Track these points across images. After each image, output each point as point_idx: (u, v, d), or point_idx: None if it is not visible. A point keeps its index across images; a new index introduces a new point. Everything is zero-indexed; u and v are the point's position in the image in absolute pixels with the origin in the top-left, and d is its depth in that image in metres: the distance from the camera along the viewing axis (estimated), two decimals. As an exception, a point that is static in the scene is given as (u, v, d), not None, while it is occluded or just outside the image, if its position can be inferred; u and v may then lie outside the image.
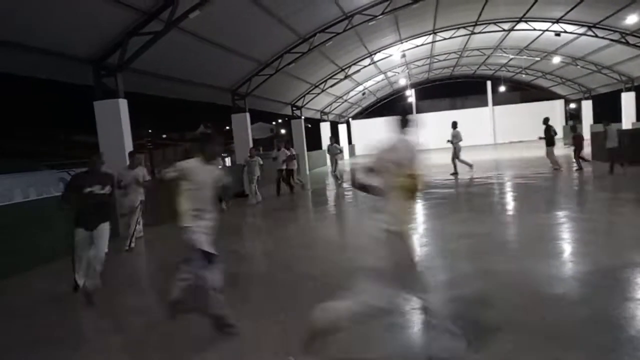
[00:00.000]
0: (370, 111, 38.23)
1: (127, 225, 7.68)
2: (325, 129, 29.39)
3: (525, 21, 18.97)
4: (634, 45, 18.47)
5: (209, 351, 3.63)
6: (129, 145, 9.09)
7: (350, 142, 37.21)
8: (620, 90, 26.35)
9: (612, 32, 18.14)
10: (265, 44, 13.68)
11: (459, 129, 14.89)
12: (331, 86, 22.37)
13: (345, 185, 14.72)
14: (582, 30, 18.73)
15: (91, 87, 9.12)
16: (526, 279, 4.64)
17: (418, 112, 37.91)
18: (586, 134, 25.63)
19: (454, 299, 4.21)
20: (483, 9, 17.38)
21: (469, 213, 9.13)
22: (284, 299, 4.72)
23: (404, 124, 3.16)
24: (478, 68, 32.45)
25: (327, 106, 27.97)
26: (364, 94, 30.41)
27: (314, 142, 28.38)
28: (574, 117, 36.38)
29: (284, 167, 13.85)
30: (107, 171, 5.47)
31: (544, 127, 14.11)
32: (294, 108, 22.69)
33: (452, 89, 37.46)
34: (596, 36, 18.62)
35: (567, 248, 5.85)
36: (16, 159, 27.87)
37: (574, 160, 13.83)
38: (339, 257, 6.31)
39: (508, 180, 13.42)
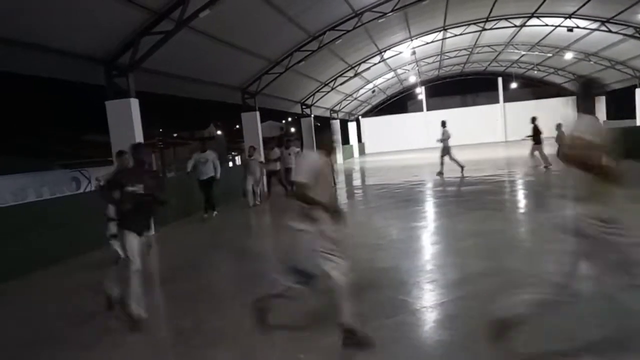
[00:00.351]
0: (380, 109, 38.10)
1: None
2: (334, 127, 29.34)
3: (537, 17, 18.74)
4: (649, 40, 18.18)
5: (221, 349, 3.66)
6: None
7: (360, 140, 37.14)
8: (635, 86, 25.95)
9: (625, 27, 17.84)
10: (275, 43, 13.69)
11: (447, 127, 14.83)
12: (341, 84, 22.31)
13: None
14: (595, 25, 18.46)
15: (103, 87, 9.20)
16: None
17: (428, 109, 37.87)
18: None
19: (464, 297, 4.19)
20: (494, 5, 17.20)
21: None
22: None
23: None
24: (489, 65, 32.13)
25: (337, 104, 27.92)
26: (373, 91, 30.31)
27: (323, 140, 28.29)
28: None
29: (277, 167, 13.00)
30: (151, 169, 5.38)
31: (531, 125, 14.30)
32: (303, 106, 22.68)
33: (463, 86, 37.16)
34: (609, 31, 18.33)
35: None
36: (30, 158, 28.26)
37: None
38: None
39: (493, 179, 13.30)
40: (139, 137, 9.11)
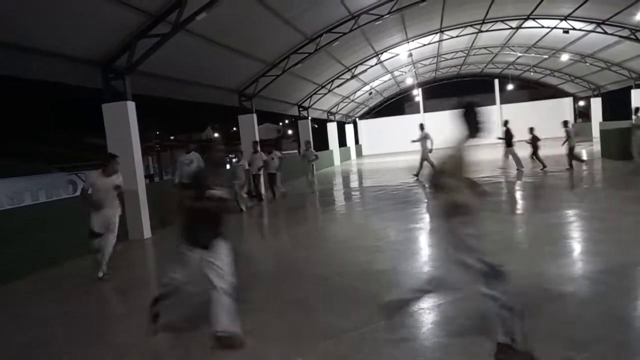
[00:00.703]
0: (377, 111, 38.16)
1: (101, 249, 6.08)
2: (332, 129, 29.40)
3: (533, 19, 18.82)
4: (644, 42, 18.26)
5: (218, 350, 3.64)
6: (137, 148, 9.15)
7: (357, 142, 37.18)
8: (630, 87, 26.06)
9: (621, 29, 17.93)
10: (271, 45, 13.70)
11: (426, 130, 14.85)
12: (338, 86, 22.34)
13: (317, 193, 14.15)
14: (591, 27, 18.54)
15: (100, 90, 9.19)
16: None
17: (425, 111, 37.96)
18: (595, 131, 25.44)
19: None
20: (490, 6, 17.27)
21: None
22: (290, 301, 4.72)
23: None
24: (485, 66, 32.25)
25: (334, 106, 27.95)
26: (370, 93, 30.36)
27: (321, 142, 28.38)
28: (582, 115, 36.07)
29: (259, 172, 12.60)
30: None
31: (503, 128, 14.47)
32: (300, 109, 22.70)
33: (460, 88, 37.22)
34: (605, 33, 18.42)
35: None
36: (26, 161, 28.17)
37: (534, 160, 14.43)
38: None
39: (491, 180, 13.32)
40: (136, 140, 9.11)
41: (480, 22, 19.39)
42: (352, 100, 29.33)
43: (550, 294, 4.13)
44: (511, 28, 20.14)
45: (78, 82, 9.56)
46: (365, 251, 6.46)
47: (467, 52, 26.23)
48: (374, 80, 27.00)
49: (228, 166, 11.61)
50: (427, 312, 4.03)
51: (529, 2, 16.90)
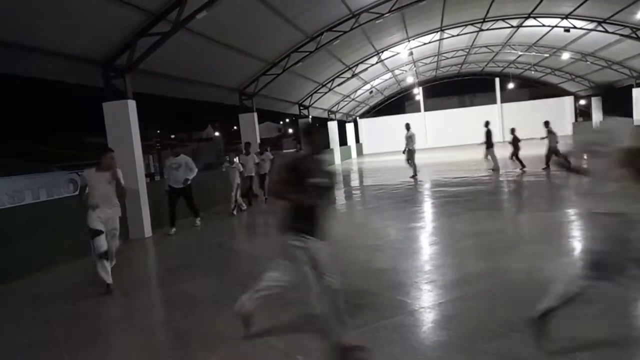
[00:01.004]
0: (378, 110, 38.14)
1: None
2: (332, 128, 29.39)
3: (534, 17, 18.79)
4: (645, 40, 18.25)
5: (219, 349, 3.65)
6: (137, 146, 9.16)
7: (358, 141, 37.18)
8: (631, 86, 26.04)
9: (622, 27, 17.91)
10: (272, 44, 13.69)
11: (412, 130, 14.83)
12: (338, 85, 22.32)
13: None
14: (591, 25, 18.52)
15: (100, 89, 9.19)
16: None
17: (426, 110, 38.00)
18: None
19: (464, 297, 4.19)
20: (491, 5, 17.25)
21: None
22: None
23: None
24: (486, 65, 32.21)
25: (335, 105, 27.94)
26: (371, 92, 30.34)
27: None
28: (583, 114, 36.03)
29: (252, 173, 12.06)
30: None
31: (485, 130, 14.67)
32: (301, 107, 22.68)
33: (460, 87, 37.28)
34: (606, 31, 18.40)
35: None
36: (27, 160, 28.20)
37: (514, 161, 14.62)
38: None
39: (489, 179, 13.32)
40: (137, 139, 9.12)
41: (481, 20, 19.36)
42: (353, 99, 29.32)
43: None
44: (512, 27, 20.11)
45: (79, 80, 9.57)
46: (365, 250, 6.46)
47: (467, 50, 26.19)
48: (374, 79, 26.97)
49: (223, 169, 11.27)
50: (428, 311, 4.03)
51: (530, 1, 16.87)
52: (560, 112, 34.66)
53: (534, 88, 37.22)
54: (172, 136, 67.44)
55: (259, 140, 15.84)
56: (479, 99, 37.80)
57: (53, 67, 8.61)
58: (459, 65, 31.64)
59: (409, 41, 20.55)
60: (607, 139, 2.98)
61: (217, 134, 68.65)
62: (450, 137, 34.34)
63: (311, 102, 22.80)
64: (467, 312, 3.86)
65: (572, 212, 7.56)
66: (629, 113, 26.73)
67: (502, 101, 36.28)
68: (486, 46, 25.55)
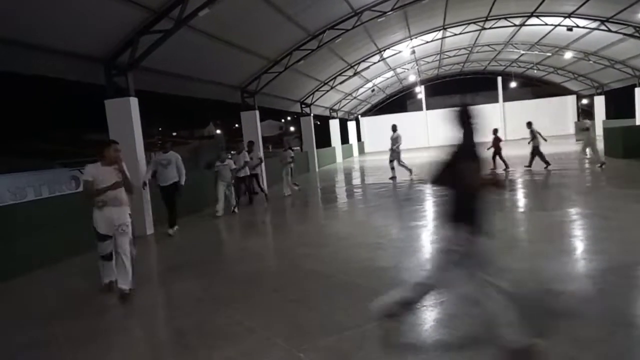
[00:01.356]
0: (380, 108, 38.09)
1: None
2: (334, 126, 29.39)
3: (537, 16, 18.74)
4: (649, 40, 18.18)
5: (220, 347, 3.66)
6: (139, 144, 9.17)
7: (359, 139, 37.15)
8: (634, 85, 25.96)
9: (625, 26, 17.84)
10: (274, 42, 13.68)
11: (398, 131, 14.71)
12: (340, 83, 22.31)
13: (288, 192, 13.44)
14: (594, 24, 18.46)
15: (102, 86, 9.20)
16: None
17: (428, 108, 37.93)
18: (599, 130, 25.36)
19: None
20: (494, 4, 17.20)
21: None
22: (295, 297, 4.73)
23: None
24: (488, 64, 32.13)
25: (336, 103, 27.93)
26: (373, 90, 30.30)
27: (323, 139, 28.39)
28: (586, 113, 35.94)
29: (244, 174, 11.78)
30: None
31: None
32: (303, 105, 22.68)
33: (462, 86, 37.14)
34: (609, 30, 18.33)
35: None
36: (30, 157, 28.24)
37: (496, 160, 14.58)
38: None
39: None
40: (139, 136, 9.13)
41: (484, 19, 19.31)
42: (355, 97, 29.30)
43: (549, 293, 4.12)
44: (514, 25, 20.05)
45: (80, 78, 9.57)
46: (367, 248, 6.46)
47: (470, 49, 26.14)
48: (376, 77, 26.94)
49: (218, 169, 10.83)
50: (429, 309, 4.03)
51: (533, 0, 16.83)
52: (562, 111, 34.60)
53: (536, 87, 37.13)
54: (174, 134, 67.54)
55: (260, 139, 15.85)
56: (481, 97, 37.68)
57: (54, 64, 8.62)
58: (461, 64, 31.59)
59: (411, 39, 20.51)
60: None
61: (219, 131, 68.68)
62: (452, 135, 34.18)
63: (313, 100, 22.79)
64: (469, 311, 3.86)
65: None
66: (631, 113, 26.67)
67: (505, 100, 36.20)
68: (488, 45, 25.49)
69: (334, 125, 29.39)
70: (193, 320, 4.30)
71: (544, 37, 22.54)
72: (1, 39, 7.23)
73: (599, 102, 30.83)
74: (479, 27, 20.12)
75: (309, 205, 12.44)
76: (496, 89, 36.47)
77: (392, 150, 14.80)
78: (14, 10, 6.88)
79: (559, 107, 34.33)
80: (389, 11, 14.22)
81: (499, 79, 35.96)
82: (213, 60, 12.37)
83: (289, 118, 62.32)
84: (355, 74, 21.95)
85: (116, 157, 5.08)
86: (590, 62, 25.09)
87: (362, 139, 37.91)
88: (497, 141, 14.55)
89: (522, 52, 26.62)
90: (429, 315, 3.91)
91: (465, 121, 3.11)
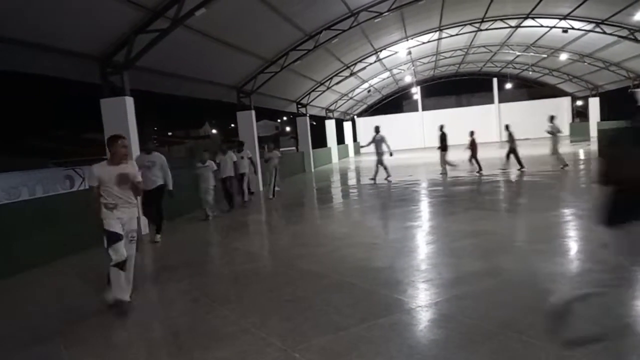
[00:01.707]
0: (376, 109, 38.17)
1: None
2: (330, 126, 29.40)
3: (532, 18, 18.84)
4: (643, 42, 18.30)
5: (215, 347, 3.65)
6: (135, 143, 9.13)
7: (355, 139, 37.19)
8: (629, 87, 26.12)
9: (620, 29, 17.97)
10: (270, 42, 13.67)
11: (382, 133, 14.57)
12: (336, 83, 22.34)
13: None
14: (589, 26, 18.57)
15: (98, 85, 9.16)
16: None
17: (424, 109, 38.01)
18: (593, 131, 25.51)
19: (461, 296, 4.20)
20: (490, 5, 17.28)
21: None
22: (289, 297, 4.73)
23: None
24: (484, 65, 32.27)
25: (333, 104, 27.95)
26: (369, 91, 30.35)
27: (319, 139, 28.40)
28: (580, 115, 36.13)
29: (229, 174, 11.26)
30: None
31: (439, 133, 15.02)
32: (299, 105, 22.68)
33: (458, 86, 37.29)
34: (604, 33, 18.46)
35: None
36: (24, 156, 28.09)
37: (472, 163, 14.85)
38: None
39: (488, 179, 13.36)
40: (134, 136, 9.10)
41: (480, 20, 19.39)
42: (351, 98, 29.34)
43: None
44: (510, 27, 20.15)
45: (76, 77, 9.53)
46: (362, 248, 6.47)
47: (466, 50, 26.23)
48: (372, 78, 26.99)
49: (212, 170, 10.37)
50: (424, 309, 4.04)
51: (529, 1, 16.91)
52: (557, 112, 34.69)
53: (531, 88, 37.30)
54: (170, 133, 67.35)
55: (256, 139, 15.82)
56: (477, 98, 37.85)
57: (50, 63, 8.58)
58: (457, 65, 31.71)
59: (407, 40, 20.56)
60: None
61: (214, 131, 68.57)
62: (448, 136, 34.32)
63: (309, 101, 22.80)
64: (464, 311, 3.87)
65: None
66: (625, 115, 26.80)
67: (500, 101, 36.37)
68: (484, 46, 25.60)
69: (330, 126, 29.41)
70: (188, 321, 4.29)
71: (539, 38, 22.66)
72: (-5, 37, 7.20)
73: (594, 104, 31.01)
74: (475, 29, 20.20)
75: (304, 205, 12.44)
76: (492, 90, 36.62)
77: (377, 151, 14.59)
78: (10, 8, 6.84)
79: (554, 108, 34.46)
80: (385, 12, 14.25)
81: (495, 80, 36.11)
82: (209, 60, 12.35)
83: (285, 118, 62.24)
84: (351, 74, 21.98)
85: (126, 153, 4.69)
86: (585, 63, 25.23)
87: (358, 140, 37.96)
88: (473, 143, 14.80)
89: (518, 53, 26.75)
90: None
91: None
